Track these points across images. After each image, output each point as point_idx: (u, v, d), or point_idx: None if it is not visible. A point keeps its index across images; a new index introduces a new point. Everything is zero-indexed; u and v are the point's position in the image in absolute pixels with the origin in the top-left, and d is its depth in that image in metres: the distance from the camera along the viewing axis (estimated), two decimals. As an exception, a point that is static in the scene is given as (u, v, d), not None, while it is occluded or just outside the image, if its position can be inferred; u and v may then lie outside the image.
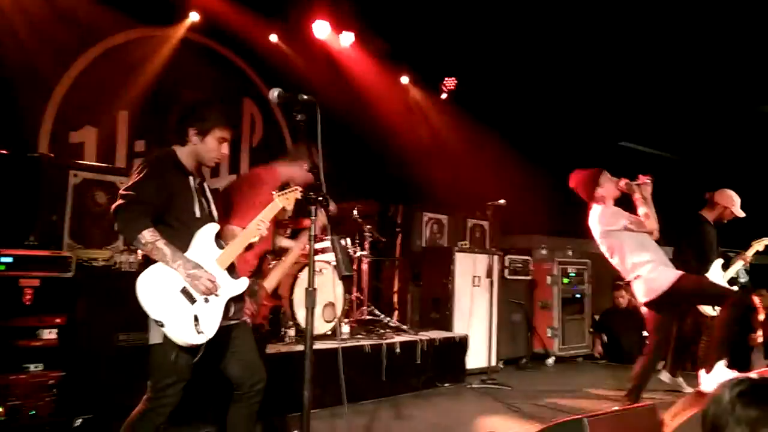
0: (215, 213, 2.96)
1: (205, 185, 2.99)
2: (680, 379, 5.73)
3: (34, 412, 3.60)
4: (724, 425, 1.46)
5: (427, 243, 7.22)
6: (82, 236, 4.31)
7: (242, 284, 2.83)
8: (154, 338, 2.64)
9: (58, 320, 3.74)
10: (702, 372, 4.50)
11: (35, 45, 5.15)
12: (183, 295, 2.62)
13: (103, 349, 3.92)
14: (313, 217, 2.37)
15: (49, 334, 3.70)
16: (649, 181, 4.57)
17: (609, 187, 4.65)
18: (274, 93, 2.52)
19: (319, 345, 4.89)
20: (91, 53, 5.64)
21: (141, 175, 2.64)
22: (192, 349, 2.63)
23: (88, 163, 4.96)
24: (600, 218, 4.61)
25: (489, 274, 6.52)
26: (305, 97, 2.41)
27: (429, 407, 5.10)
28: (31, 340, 3.66)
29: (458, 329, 6.39)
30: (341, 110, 7.06)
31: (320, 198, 2.47)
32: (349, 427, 4.32)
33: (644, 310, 4.76)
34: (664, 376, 5.73)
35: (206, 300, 2.67)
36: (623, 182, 4.61)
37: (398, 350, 5.46)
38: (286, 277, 4.98)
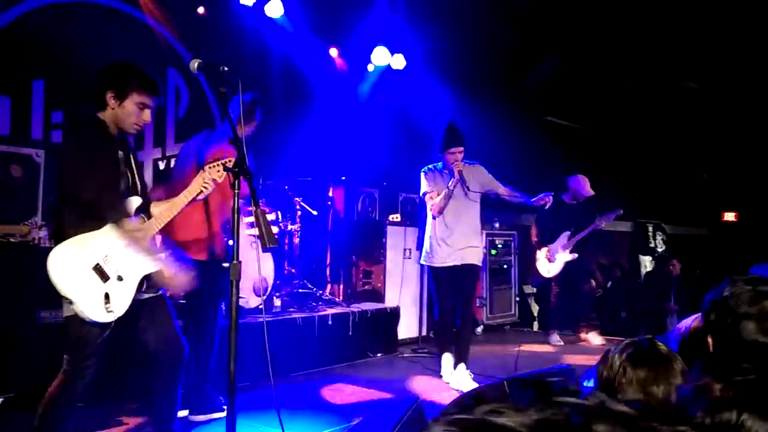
0: (140, 185, 2.91)
1: (131, 154, 2.93)
2: None
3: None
4: (617, 386, 1.57)
5: (359, 216, 7.27)
6: (-2, 211, 4.13)
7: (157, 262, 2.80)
8: (67, 311, 2.61)
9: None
10: None
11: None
12: (95, 272, 2.58)
13: (23, 326, 3.80)
14: (236, 190, 2.36)
15: (-36, 313, 3.56)
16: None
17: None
18: (194, 63, 2.49)
19: (249, 319, 4.90)
20: (3, 19, 5.33)
21: (86, 158, 2.59)
22: (102, 325, 2.61)
23: (1, 135, 4.74)
24: None
25: (420, 246, 6.64)
26: (226, 68, 2.38)
27: (361, 376, 5.20)
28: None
29: (390, 301, 6.50)
30: (274, 83, 6.97)
31: (243, 170, 2.46)
32: (280, 397, 4.35)
33: None
34: None
35: (119, 278, 2.64)
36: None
37: (330, 322, 5.53)
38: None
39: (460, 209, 4.91)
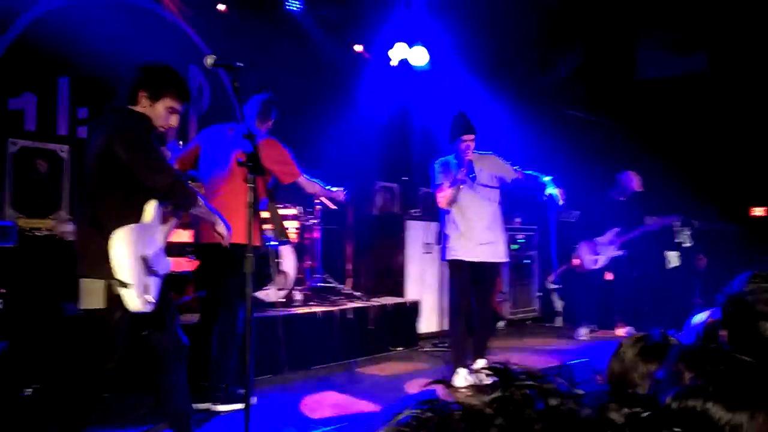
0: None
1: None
2: None
3: (-22, 383, 3.56)
4: (629, 381, 1.55)
5: (379, 211, 7.28)
6: (24, 205, 4.22)
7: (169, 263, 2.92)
8: (91, 303, 2.65)
9: (1, 290, 3.68)
10: None
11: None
12: (143, 262, 2.63)
13: (49, 318, 3.88)
14: (251, 185, 2.39)
15: (-7, 305, 3.65)
16: None
17: None
18: (209, 59, 2.52)
19: (271, 313, 4.96)
20: (29, 16, 5.43)
21: (150, 145, 2.71)
22: (131, 315, 2.66)
23: (27, 131, 4.84)
24: None
25: (440, 241, 6.63)
26: (240, 64, 2.40)
27: (381, 370, 5.23)
28: (-26, 311, 3.61)
29: (410, 295, 6.51)
30: (293, 79, 7.00)
31: (256, 166, 2.49)
32: (300, 390, 4.40)
33: None
34: None
35: (156, 273, 2.70)
36: None
37: (350, 316, 5.55)
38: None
39: (476, 201, 4.67)
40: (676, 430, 0.54)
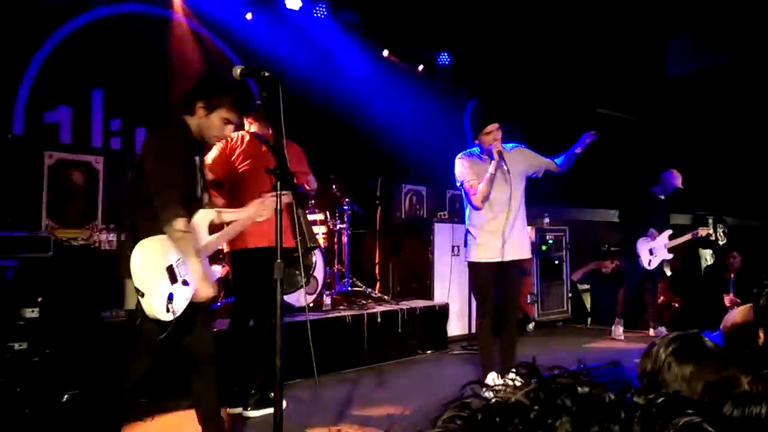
0: (207, 195, 3.02)
1: (204, 160, 3.05)
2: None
3: (20, 389, 3.67)
4: (660, 381, 1.54)
5: (407, 214, 7.30)
6: (60, 216, 4.35)
7: (216, 272, 2.95)
8: (129, 305, 2.74)
9: (39, 299, 3.80)
10: None
11: (5, 24, 5.10)
12: (167, 272, 2.69)
13: (86, 326, 3.99)
14: (279, 192, 2.42)
15: (32, 313, 3.76)
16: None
17: None
18: (236, 70, 2.55)
19: (300, 317, 5.00)
20: (63, 31, 5.59)
21: (164, 153, 2.70)
22: (159, 323, 2.72)
23: (62, 143, 4.97)
24: None
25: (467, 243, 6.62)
26: (267, 74, 2.44)
27: (410, 374, 5.24)
28: (14, 319, 3.72)
29: (439, 298, 6.51)
30: (318, 85, 7.06)
31: (284, 174, 2.52)
32: (331, 394, 4.44)
33: None
34: None
35: (185, 282, 2.74)
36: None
37: (379, 320, 5.58)
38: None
39: (504, 197, 4.34)
40: (689, 412, 0.55)
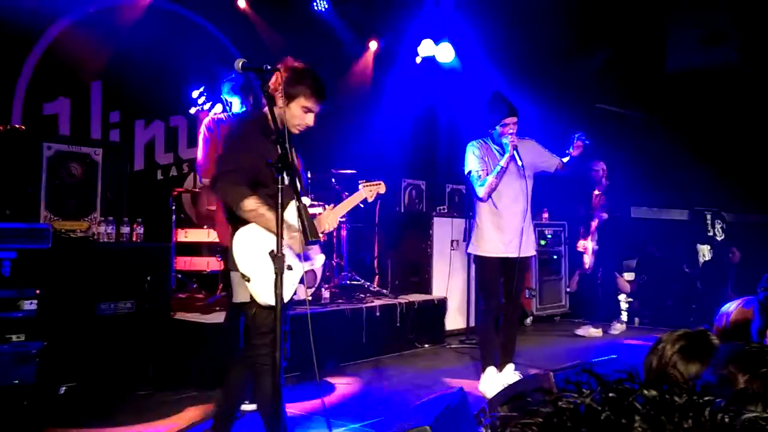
0: (299, 184, 2.98)
1: (293, 153, 2.98)
2: None
3: (17, 381, 3.67)
4: (666, 378, 1.54)
5: (406, 208, 7.29)
6: (59, 208, 4.33)
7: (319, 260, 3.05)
8: (239, 296, 2.76)
9: (37, 291, 3.79)
10: None
11: (3, 16, 5.08)
12: (270, 257, 2.63)
13: (84, 318, 3.99)
14: (280, 186, 2.41)
15: (30, 305, 3.74)
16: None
17: None
18: (238, 63, 2.54)
19: (299, 311, 5.00)
20: (62, 23, 5.57)
21: (229, 142, 2.74)
22: (271, 308, 2.67)
23: (61, 135, 4.96)
24: None
25: (466, 237, 6.63)
26: (269, 67, 2.42)
27: (409, 367, 5.25)
28: (12, 311, 3.71)
29: (437, 292, 6.52)
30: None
31: (284, 165, 2.50)
32: (327, 387, 4.45)
33: None
34: None
35: (289, 267, 2.71)
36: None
37: (378, 314, 5.58)
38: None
39: (514, 191, 4.32)
40: (751, 408, 0.60)
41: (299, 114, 2.85)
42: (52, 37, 5.52)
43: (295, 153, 2.99)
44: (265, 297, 2.66)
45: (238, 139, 2.75)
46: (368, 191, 3.24)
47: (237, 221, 2.75)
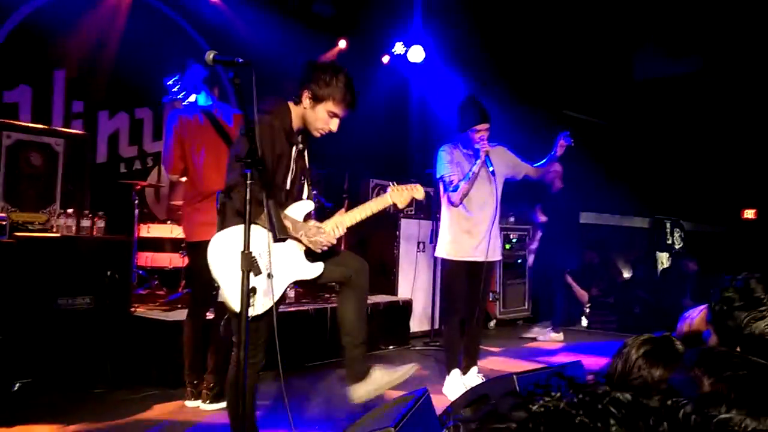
0: (307, 185, 2.88)
1: (305, 153, 2.89)
2: None
3: (-31, 376, 3.55)
4: (630, 382, 1.56)
5: (374, 209, 7.27)
6: (17, 199, 4.20)
7: (316, 269, 2.82)
8: (221, 296, 2.65)
9: (-8, 284, 3.66)
10: None
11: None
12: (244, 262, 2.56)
13: (41, 313, 3.87)
14: (249, 181, 2.36)
15: (-16, 299, 3.62)
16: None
17: None
18: (209, 55, 2.48)
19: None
20: (24, 10, 5.41)
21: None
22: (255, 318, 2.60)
23: (21, 123, 4.81)
24: None
25: (433, 239, 6.65)
26: (240, 60, 2.38)
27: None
28: (-35, 305, 3.59)
29: (402, 294, 6.52)
30: (289, 73, 6.98)
31: (254, 162, 2.45)
32: (292, 387, 4.41)
33: None
34: None
35: (269, 275, 2.59)
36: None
37: (343, 314, 5.55)
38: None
39: (484, 196, 4.34)
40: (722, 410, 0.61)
41: (324, 117, 2.74)
42: (15, 23, 5.36)
43: (306, 154, 2.92)
44: (235, 303, 2.54)
45: (260, 139, 2.65)
46: (399, 196, 2.92)
47: (230, 221, 2.61)
